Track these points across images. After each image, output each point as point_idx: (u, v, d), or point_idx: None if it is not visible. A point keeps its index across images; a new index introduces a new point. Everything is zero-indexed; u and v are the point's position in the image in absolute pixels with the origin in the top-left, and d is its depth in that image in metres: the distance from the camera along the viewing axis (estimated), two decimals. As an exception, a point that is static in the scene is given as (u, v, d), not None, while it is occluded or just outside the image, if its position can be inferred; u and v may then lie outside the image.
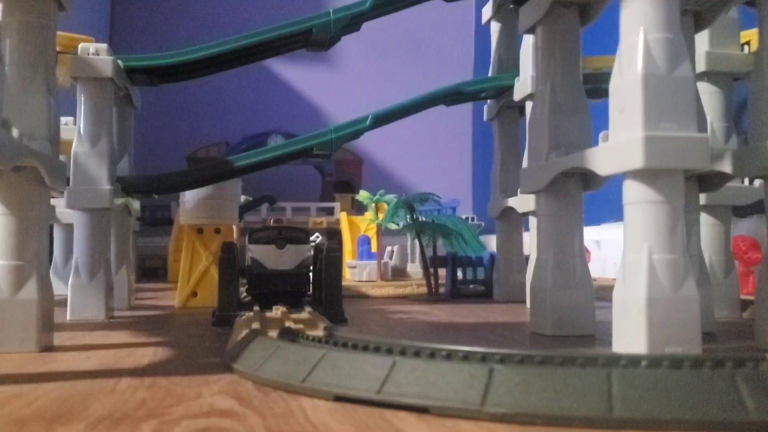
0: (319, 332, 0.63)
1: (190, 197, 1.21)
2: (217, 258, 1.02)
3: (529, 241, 1.12)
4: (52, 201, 1.02)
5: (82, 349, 0.72)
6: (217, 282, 0.95)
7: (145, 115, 1.41)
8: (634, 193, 0.61)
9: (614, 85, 0.64)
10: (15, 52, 0.72)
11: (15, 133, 0.67)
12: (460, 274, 1.43)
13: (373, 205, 1.65)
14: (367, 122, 1.18)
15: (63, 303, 0.96)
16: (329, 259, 0.94)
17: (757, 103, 0.69)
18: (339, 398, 0.48)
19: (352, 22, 1.16)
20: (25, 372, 0.58)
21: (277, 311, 0.80)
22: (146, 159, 1.92)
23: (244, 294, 1.02)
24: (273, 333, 0.62)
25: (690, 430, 0.40)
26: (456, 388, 0.44)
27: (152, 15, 3.17)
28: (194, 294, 1.21)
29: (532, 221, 1.13)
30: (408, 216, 1.45)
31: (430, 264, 1.41)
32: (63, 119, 1.36)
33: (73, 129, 1.04)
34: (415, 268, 1.73)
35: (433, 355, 0.48)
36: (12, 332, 0.67)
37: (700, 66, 0.95)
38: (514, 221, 1.32)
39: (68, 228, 1.39)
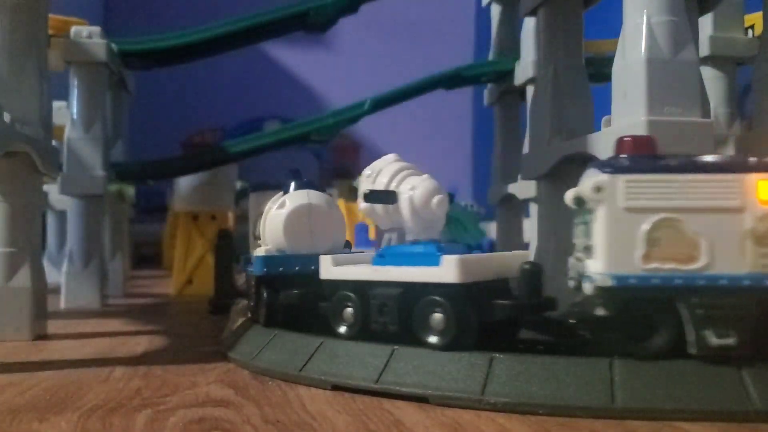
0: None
1: (185, 184, 1.20)
2: (212, 245, 1.01)
3: (530, 228, 1.12)
4: (45, 187, 1.01)
5: (76, 337, 0.71)
6: (213, 269, 0.94)
7: (139, 100, 1.39)
8: (636, 178, 0.60)
9: (617, 69, 0.63)
10: (6, 35, 0.70)
11: (7, 117, 0.66)
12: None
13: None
14: (366, 107, 1.16)
15: (57, 291, 0.95)
16: None
17: (761, 88, 0.68)
18: (337, 387, 0.47)
19: (349, 4, 1.14)
20: (18, 360, 0.58)
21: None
22: (141, 145, 1.91)
23: None
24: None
25: (693, 420, 0.39)
26: (456, 377, 0.44)
27: (147, -2, 3.13)
28: (190, 281, 1.20)
29: (533, 208, 1.12)
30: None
31: (429, 251, 1.40)
32: (56, 104, 1.34)
33: (67, 114, 1.03)
34: (413, 255, 1.72)
35: (432, 343, 0.47)
36: (5, 320, 0.67)
37: (704, 50, 0.94)
38: (515, 208, 1.31)
39: (62, 215, 1.38)
